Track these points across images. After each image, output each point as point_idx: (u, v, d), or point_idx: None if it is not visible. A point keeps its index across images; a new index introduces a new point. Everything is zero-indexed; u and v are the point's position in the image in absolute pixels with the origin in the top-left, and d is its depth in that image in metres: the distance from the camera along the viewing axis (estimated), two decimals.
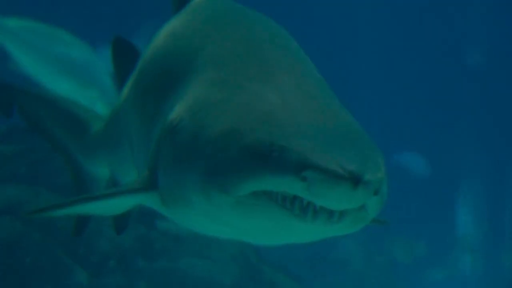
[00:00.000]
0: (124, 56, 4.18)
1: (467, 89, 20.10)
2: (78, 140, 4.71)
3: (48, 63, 8.70)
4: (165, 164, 2.97)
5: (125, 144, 3.92)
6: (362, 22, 20.92)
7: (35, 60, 8.67)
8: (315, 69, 3.22)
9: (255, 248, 9.54)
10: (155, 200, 3.11)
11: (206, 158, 2.70)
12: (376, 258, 14.09)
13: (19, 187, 8.49)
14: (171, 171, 2.92)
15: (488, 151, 19.20)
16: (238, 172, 2.60)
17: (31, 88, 4.88)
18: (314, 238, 2.90)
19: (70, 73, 8.80)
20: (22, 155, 8.90)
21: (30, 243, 8.01)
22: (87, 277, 8.08)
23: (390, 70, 20.74)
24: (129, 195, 3.18)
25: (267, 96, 2.82)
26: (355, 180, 2.47)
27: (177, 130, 2.92)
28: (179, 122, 2.93)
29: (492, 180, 18.78)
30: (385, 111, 20.33)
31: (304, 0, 20.73)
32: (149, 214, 8.60)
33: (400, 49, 20.74)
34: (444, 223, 17.43)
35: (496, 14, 19.71)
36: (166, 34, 3.57)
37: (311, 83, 3.00)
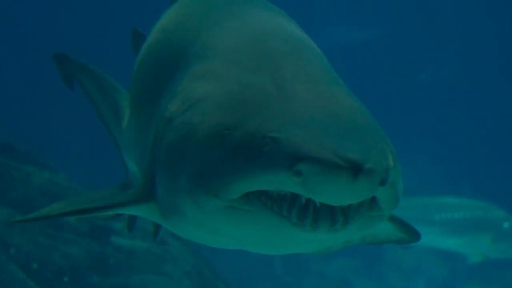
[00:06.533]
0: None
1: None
2: (117, 127, 4.32)
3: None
4: (157, 171, 2.73)
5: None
6: None
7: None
8: (319, 53, 2.96)
9: (209, 264, 9.59)
10: (152, 212, 2.85)
11: (194, 160, 2.47)
12: (328, 274, 14.20)
13: None
14: (162, 178, 2.68)
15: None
16: (228, 171, 2.34)
17: (86, 63, 4.62)
18: (322, 245, 2.64)
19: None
20: None
21: None
22: None
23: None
24: (122, 207, 2.90)
25: (262, 85, 2.56)
26: (355, 170, 2.17)
27: (166, 132, 2.69)
28: (169, 122, 2.71)
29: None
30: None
31: None
32: (103, 229, 8.62)
33: None
34: None
35: None
36: (160, 29, 3.38)
37: (313, 68, 2.71)
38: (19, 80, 17.21)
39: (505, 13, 19.57)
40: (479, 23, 19.85)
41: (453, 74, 20.21)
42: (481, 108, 19.73)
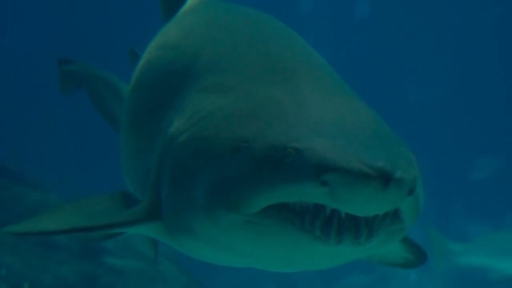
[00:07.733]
0: None
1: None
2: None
3: None
4: (166, 188, 2.62)
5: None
6: None
7: None
8: (328, 66, 2.93)
9: (201, 284, 9.57)
10: (159, 230, 2.74)
11: (209, 175, 2.38)
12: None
13: None
14: (171, 195, 2.58)
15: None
16: (249, 184, 2.26)
17: (96, 70, 4.48)
18: (341, 260, 2.56)
19: None
20: None
21: None
22: None
23: None
24: (127, 227, 2.77)
25: (276, 96, 2.49)
26: (385, 179, 2.11)
27: (175, 147, 2.60)
28: (177, 137, 2.61)
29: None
30: None
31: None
32: (95, 249, 8.60)
33: None
34: None
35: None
36: (158, 45, 3.32)
37: (326, 79, 2.69)
38: (14, 95, 17.21)
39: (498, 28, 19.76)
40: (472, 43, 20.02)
41: (442, 94, 20.35)
42: (468, 126, 19.87)
